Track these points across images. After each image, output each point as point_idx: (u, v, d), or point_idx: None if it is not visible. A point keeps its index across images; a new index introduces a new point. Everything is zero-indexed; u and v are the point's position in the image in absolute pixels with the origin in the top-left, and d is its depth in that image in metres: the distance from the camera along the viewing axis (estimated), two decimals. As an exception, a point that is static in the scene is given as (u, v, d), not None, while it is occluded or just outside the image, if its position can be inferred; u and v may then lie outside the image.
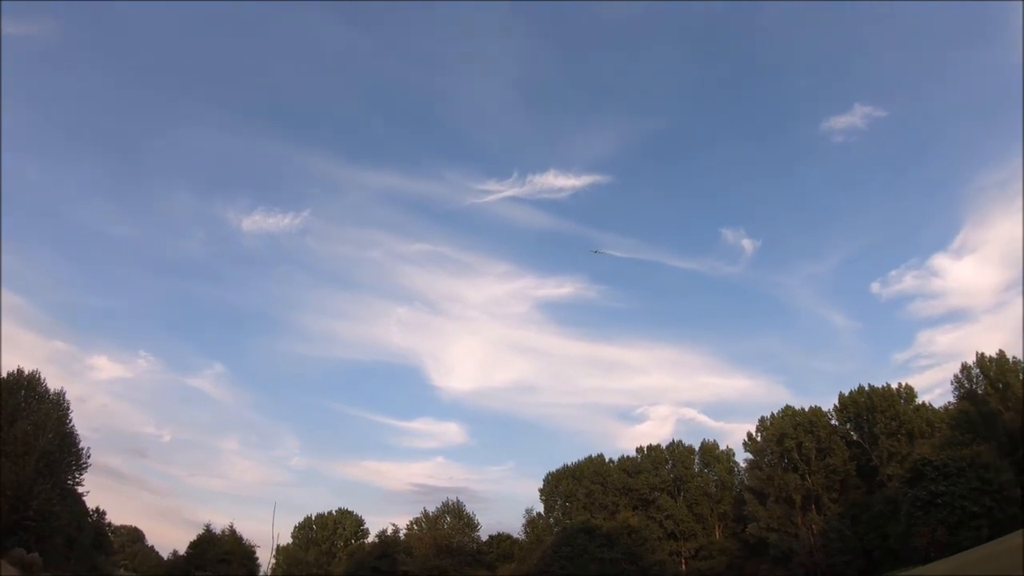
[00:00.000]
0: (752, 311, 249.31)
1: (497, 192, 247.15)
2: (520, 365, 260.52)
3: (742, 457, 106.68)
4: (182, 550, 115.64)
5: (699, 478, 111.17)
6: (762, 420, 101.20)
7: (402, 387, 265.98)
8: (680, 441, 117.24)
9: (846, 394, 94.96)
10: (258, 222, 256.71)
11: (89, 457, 73.29)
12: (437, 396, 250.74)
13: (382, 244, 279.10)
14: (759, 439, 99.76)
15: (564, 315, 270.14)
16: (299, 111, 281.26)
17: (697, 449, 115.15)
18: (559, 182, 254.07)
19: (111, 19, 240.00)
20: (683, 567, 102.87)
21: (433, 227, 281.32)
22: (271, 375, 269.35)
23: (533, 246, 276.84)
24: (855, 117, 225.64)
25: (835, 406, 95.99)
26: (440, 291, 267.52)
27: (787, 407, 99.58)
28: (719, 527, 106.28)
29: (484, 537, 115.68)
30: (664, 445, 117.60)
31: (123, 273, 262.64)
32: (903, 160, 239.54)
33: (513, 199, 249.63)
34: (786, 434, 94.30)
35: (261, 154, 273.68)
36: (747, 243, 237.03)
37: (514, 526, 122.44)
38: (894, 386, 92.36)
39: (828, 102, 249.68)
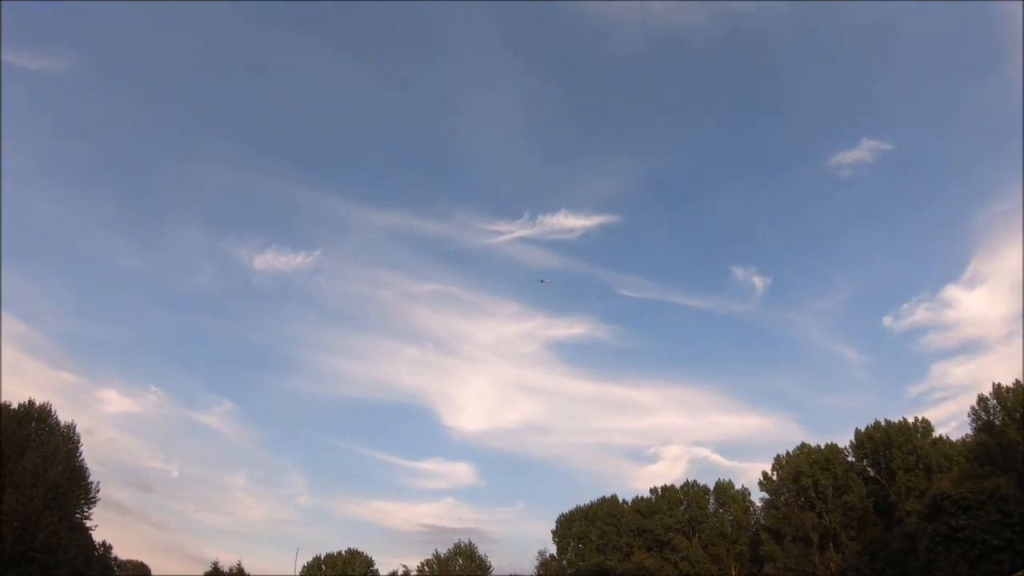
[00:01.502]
0: (763, 348, 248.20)
1: (508, 232, 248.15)
2: (530, 405, 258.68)
3: (758, 496, 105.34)
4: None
5: (714, 518, 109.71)
6: (777, 458, 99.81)
7: (412, 427, 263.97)
8: (695, 481, 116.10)
9: (862, 430, 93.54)
10: (269, 260, 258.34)
11: (98, 491, 73.19)
12: (447, 436, 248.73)
13: (392, 284, 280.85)
14: (775, 477, 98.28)
15: (574, 355, 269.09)
16: (311, 150, 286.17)
17: (712, 489, 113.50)
18: (570, 222, 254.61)
19: (125, 54, 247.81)
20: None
21: (443, 267, 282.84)
22: (280, 412, 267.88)
23: (543, 287, 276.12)
24: (862, 152, 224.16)
25: (851, 442, 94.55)
26: (450, 331, 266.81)
27: (803, 445, 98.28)
28: (735, 568, 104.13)
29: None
30: (678, 485, 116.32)
31: (134, 306, 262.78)
32: (911, 192, 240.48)
33: (523, 239, 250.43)
34: (802, 472, 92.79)
35: (273, 192, 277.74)
36: (757, 280, 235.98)
37: (524, 567, 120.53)
38: (910, 420, 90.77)
39: (835, 138, 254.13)
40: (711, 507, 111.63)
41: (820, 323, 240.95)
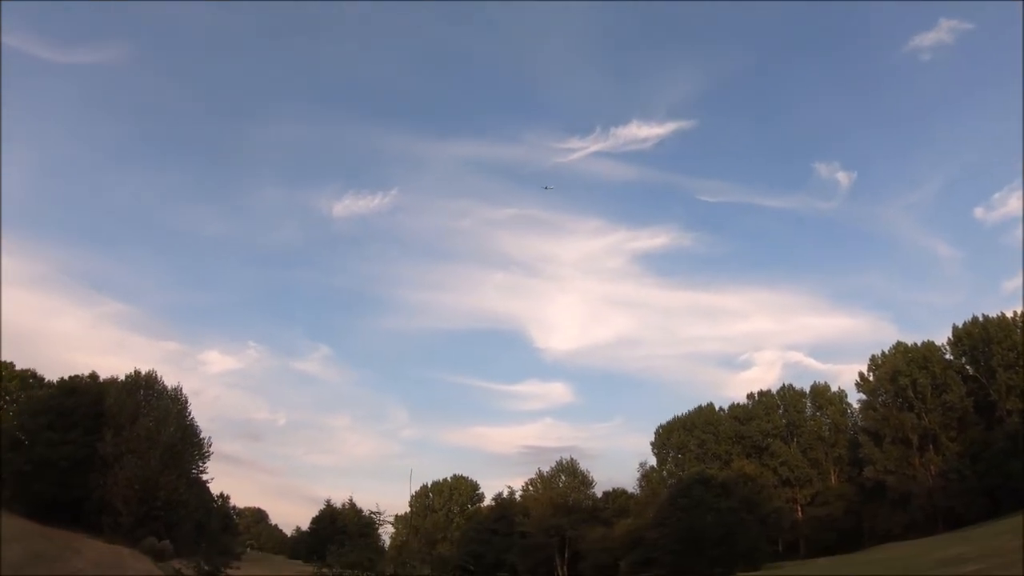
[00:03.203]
0: (851, 246, 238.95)
1: (581, 149, 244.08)
2: (620, 319, 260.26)
3: (855, 398, 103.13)
4: (304, 526, 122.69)
5: (812, 422, 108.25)
6: (873, 358, 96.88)
7: (505, 351, 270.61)
8: (790, 385, 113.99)
9: (959, 326, 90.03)
10: (348, 206, 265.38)
11: (211, 446, 77.28)
12: (540, 357, 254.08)
13: (472, 213, 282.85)
14: (871, 378, 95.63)
15: (660, 265, 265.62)
16: (376, 91, 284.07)
17: (808, 392, 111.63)
18: (643, 132, 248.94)
19: (176, 34, 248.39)
20: (799, 515, 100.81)
21: (520, 190, 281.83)
22: (376, 351, 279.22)
23: (623, 199, 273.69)
24: (941, 32, 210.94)
25: (948, 339, 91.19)
26: (534, 253, 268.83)
27: (899, 343, 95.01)
28: (835, 472, 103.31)
29: (599, 494, 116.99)
30: (774, 390, 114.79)
31: (224, 270, 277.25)
32: (998, 74, 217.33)
33: (598, 154, 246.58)
34: (899, 371, 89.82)
35: (343, 139, 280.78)
36: (841, 176, 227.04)
37: (624, 481, 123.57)
38: (1008, 315, 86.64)
39: (911, 20, 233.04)
40: (808, 411, 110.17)
41: (909, 217, 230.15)
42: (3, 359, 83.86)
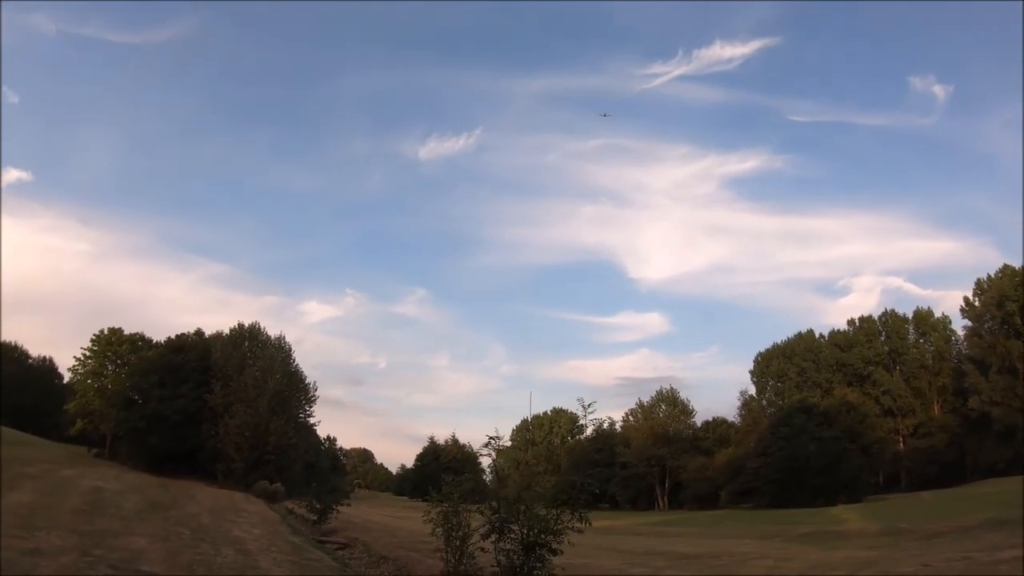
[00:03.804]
0: (951, 165, 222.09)
1: (664, 74, 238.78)
2: (714, 247, 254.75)
3: (959, 325, 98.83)
4: (409, 463, 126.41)
5: (915, 349, 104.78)
6: (979, 282, 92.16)
7: (599, 284, 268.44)
8: (893, 310, 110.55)
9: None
10: (433, 149, 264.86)
11: (316, 391, 79.44)
12: (634, 288, 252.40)
13: (557, 146, 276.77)
14: (977, 304, 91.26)
15: (752, 190, 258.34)
16: (451, 32, 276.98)
17: (910, 318, 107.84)
18: (727, 52, 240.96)
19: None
20: (901, 446, 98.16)
21: (605, 120, 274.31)
22: (471, 290, 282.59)
23: (710, 123, 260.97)
24: None
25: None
26: (623, 183, 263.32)
27: (1005, 267, 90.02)
28: (938, 402, 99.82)
29: (698, 423, 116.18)
30: (875, 316, 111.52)
31: (316, 223, 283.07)
32: None
33: (681, 78, 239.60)
34: (1007, 296, 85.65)
35: (423, 84, 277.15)
36: (938, 89, 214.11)
37: (722, 411, 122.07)
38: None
39: None
40: (911, 338, 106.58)
41: (1011, 132, 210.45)
42: (113, 326, 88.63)
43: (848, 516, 50.70)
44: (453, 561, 17.52)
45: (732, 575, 19.23)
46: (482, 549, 15.63)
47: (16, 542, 14.08)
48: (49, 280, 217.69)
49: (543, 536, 13.80)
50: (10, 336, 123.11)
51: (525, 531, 14.02)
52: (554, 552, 13.88)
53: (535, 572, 13.84)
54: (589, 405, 19.64)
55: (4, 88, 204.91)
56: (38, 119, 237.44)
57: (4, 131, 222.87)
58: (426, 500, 19.81)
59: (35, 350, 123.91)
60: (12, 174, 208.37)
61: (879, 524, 38.54)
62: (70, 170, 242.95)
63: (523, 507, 14.27)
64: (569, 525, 13.97)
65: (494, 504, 14.69)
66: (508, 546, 14.15)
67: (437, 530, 18.24)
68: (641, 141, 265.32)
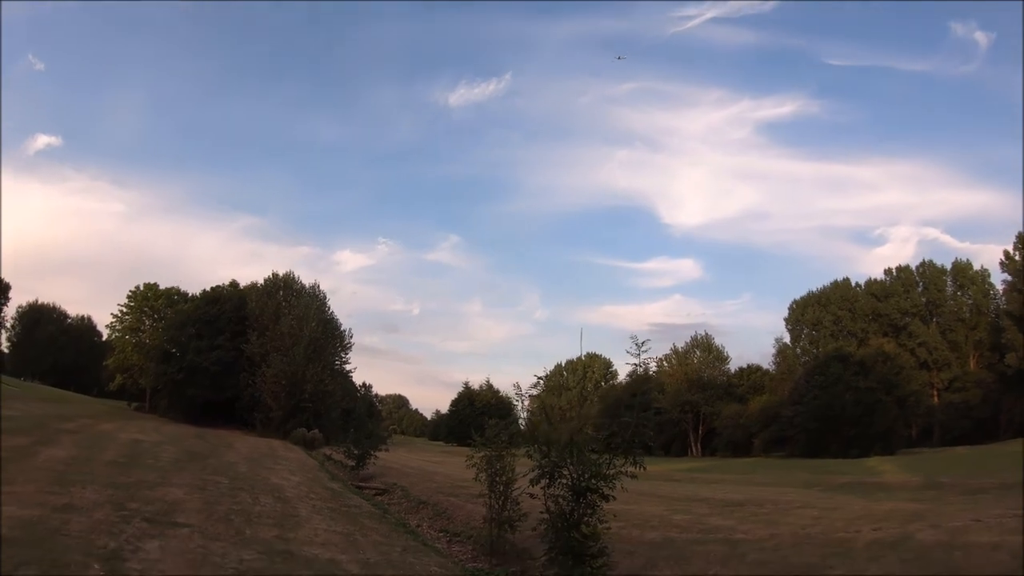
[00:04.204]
0: (993, 114, 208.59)
1: (696, 16, 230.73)
2: (747, 192, 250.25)
3: (998, 279, 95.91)
4: (444, 409, 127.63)
5: (952, 302, 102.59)
6: (1020, 236, 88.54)
7: (632, 229, 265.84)
8: (931, 261, 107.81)
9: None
10: (463, 95, 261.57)
11: (351, 338, 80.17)
12: (668, 233, 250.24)
13: (589, 90, 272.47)
14: (1017, 257, 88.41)
15: (788, 135, 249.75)
16: None
17: (948, 269, 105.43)
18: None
19: None
20: (935, 400, 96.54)
21: (637, 64, 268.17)
22: (504, 236, 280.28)
23: (744, 67, 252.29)
24: None
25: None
26: (656, 127, 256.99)
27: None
28: (974, 357, 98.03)
29: (733, 370, 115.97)
30: (913, 267, 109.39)
31: (347, 173, 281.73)
32: None
33: (714, 20, 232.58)
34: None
35: (451, 30, 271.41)
36: (980, 36, 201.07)
37: (754, 358, 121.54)
38: None
39: None
40: (948, 290, 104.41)
41: None
42: (149, 281, 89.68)
43: (885, 468, 50.23)
44: (497, 507, 17.42)
45: (780, 522, 18.92)
46: (530, 495, 15.43)
47: (50, 498, 14.04)
48: (85, 242, 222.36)
49: (594, 481, 13.53)
50: (49, 298, 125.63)
51: (576, 476, 13.75)
52: (605, 498, 13.62)
53: (585, 518, 13.60)
54: (643, 343, 19.09)
55: (29, 56, 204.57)
56: (64, 85, 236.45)
57: (31, 98, 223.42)
58: (467, 445, 19.55)
59: (74, 310, 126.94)
60: (42, 140, 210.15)
61: (918, 477, 38.03)
62: (99, 133, 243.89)
63: (575, 451, 13.98)
64: (623, 469, 13.67)
65: (544, 448, 14.39)
66: (558, 491, 13.91)
67: (480, 475, 18.13)
68: (674, 85, 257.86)
